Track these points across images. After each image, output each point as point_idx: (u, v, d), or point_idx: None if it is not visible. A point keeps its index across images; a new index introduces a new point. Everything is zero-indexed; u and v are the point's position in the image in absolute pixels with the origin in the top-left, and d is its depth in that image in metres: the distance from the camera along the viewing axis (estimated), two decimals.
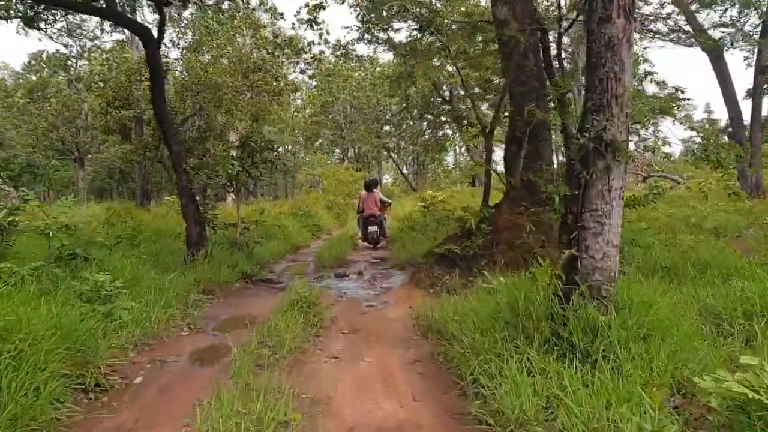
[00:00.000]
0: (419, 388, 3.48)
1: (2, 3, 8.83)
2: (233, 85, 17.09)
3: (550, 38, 7.91)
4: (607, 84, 3.49)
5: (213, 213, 8.55)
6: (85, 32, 24.75)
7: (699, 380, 2.42)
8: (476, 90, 16.78)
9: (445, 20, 8.68)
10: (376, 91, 32.93)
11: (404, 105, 32.97)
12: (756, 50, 16.41)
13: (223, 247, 8.24)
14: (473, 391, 3.20)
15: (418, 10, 9.76)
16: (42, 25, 12.77)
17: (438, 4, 11.65)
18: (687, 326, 3.58)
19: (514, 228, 6.64)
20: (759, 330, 3.44)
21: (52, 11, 10.71)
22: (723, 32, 17.24)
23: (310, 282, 7.70)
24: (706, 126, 34.35)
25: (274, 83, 17.58)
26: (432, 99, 30.67)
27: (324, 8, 11.02)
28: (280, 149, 42.28)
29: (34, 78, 34.68)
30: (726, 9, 16.70)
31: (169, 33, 19.66)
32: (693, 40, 16.53)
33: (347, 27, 28.85)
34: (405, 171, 39.88)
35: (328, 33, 31.90)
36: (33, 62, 35.43)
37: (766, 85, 16.97)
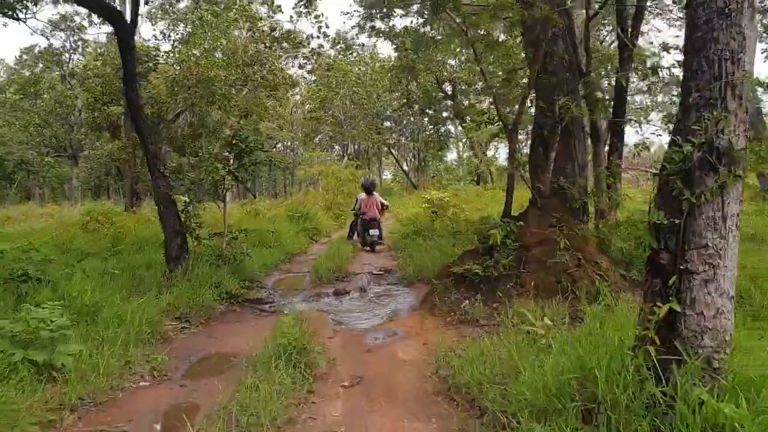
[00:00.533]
0: None
1: None
2: (227, 79, 15.96)
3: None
4: (719, 67, 2.41)
5: (197, 221, 7.47)
6: (72, 25, 23.49)
7: None
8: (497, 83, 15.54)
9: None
10: (377, 86, 31.77)
11: (405, 100, 31.87)
12: None
13: (207, 260, 7.17)
14: None
15: None
16: (21, 15, 11.66)
17: None
18: None
19: (544, 243, 5.58)
20: None
21: None
22: None
23: (304, 300, 6.68)
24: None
25: (271, 77, 16.42)
26: (434, 94, 29.58)
27: None
28: (279, 146, 41.07)
29: (27, 73, 33.43)
30: None
31: (161, 25, 18.52)
32: None
33: (347, 12, 27.59)
34: (405, 168, 38.77)
35: (327, 26, 29.83)
36: (25, 57, 34.14)
37: None
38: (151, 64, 16.40)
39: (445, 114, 32.96)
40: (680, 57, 6.57)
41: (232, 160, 7.39)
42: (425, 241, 9.94)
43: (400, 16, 25.91)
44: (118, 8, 13.49)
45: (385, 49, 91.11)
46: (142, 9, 20.47)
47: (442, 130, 30.96)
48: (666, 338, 2.42)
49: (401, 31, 11.02)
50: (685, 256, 2.41)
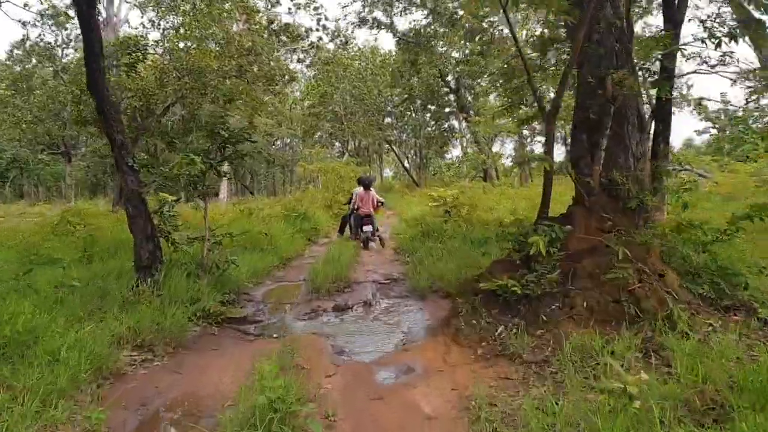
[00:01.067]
0: None
1: None
2: (221, 70, 14.77)
3: None
4: None
5: (173, 224, 6.32)
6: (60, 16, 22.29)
7: None
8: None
9: None
10: (377, 81, 30.58)
11: (406, 96, 30.70)
12: None
13: (185, 269, 6.02)
14: None
15: None
16: None
17: None
18: None
19: (596, 253, 4.43)
20: None
21: None
22: None
23: (298, 318, 5.53)
24: (722, 117, 32.07)
25: (267, 67, 15.24)
26: (437, 89, 28.37)
27: None
28: (278, 142, 39.82)
29: (17, 69, 32.16)
30: None
31: (149, 14, 17.28)
32: None
33: (345, 6, 26.20)
34: (407, 165, 37.58)
35: (326, 18, 28.50)
36: (17, 52, 32.84)
37: None
38: (139, 54, 15.20)
39: (447, 109, 31.82)
40: None
41: (216, 153, 6.22)
42: (435, 244, 8.80)
43: (402, 10, 24.75)
44: None
45: (387, 45, 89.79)
46: None
47: (446, 126, 29.80)
48: None
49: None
50: None
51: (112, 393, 3.58)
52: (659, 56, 4.98)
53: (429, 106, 32.08)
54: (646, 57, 4.79)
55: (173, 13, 16.89)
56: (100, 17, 19.46)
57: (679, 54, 5.65)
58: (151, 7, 17.70)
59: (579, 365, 3.25)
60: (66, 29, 29.99)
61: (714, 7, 10.34)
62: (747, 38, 6.69)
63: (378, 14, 24.55)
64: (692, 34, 7.53)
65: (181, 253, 6.44)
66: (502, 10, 4.96)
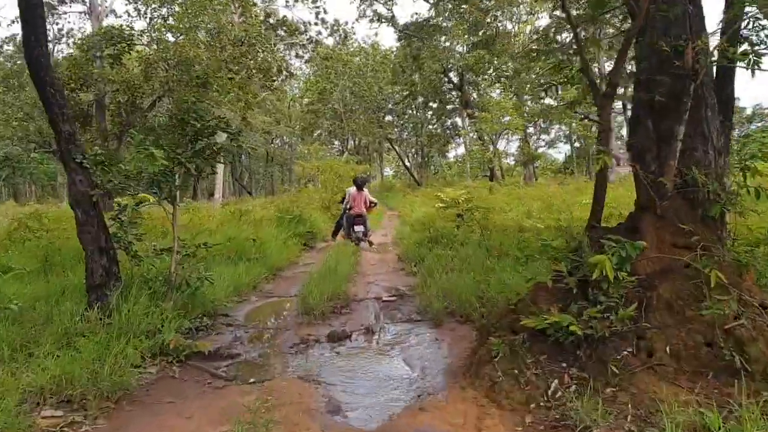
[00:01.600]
0: None
1: None
2: (212, 61, 13.63)
3: None
4: None
5: (135, 233, 5.19)
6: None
7: None
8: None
9: None
10: (378, 77, 29.44)
11: (408, 92, 29.54)
12: None
13: (149, 288, 4.89)
14: None
15: None
16: None
17: None
18: None
19: (672, 276, 3.31)
20: None
21: None
22: None
23: (285, 352, 4.40)
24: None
25: (260, 57, 14.10)
26: (440, 85, 27.19)
27: None
28: (276, 140, 38.59)
29: (9, 65, 30.97)
30: None
31: (137, 3, 16.13)
32: None
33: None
34: (407, 164, 36.43)
35: (325, 12, 27.22)
36: (6, 47, 31.66)
37: None
38: (124, 45, 14.06)
39: (449, 107, 30.67)
40: None
41: (186, 147, 5.09)
42: (445, 251, 7.68)
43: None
44: None
45: (388, 41, 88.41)
46: None
47: (448, 123, 28.67)
48: None
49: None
50: None
51: None
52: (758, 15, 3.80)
53: (431, 104, 30.98)
54: (733, 18, 3.65)
55: (163, 1, 15.74)
56: (83, 5, 18.34)
57: None
58: None
59: None
60: (58, 24, 28.88)
61: None
62: None
63: (378, 7, 23.37)
64: None
65: (146, 268, 5.31)
66: None
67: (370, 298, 6.10)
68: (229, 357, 4.25)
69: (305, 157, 22.50)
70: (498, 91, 24.15)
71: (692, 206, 3.59)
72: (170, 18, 14.20)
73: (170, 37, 14.05)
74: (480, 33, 24.07)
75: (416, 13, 25.09)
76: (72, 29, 27.21)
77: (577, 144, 34.86)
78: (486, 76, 23.61)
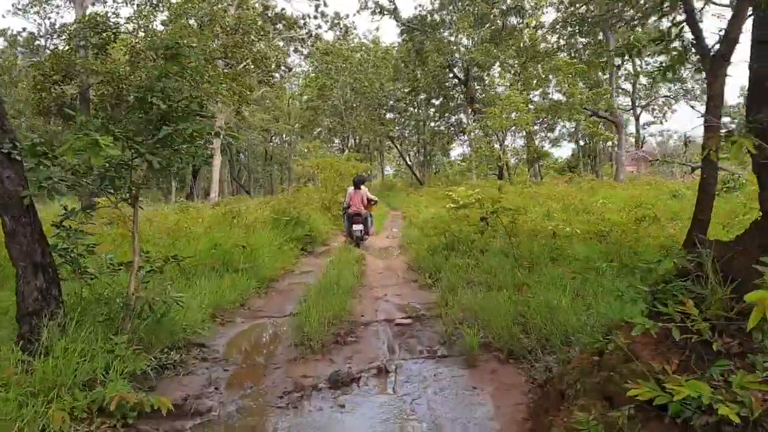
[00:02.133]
0: None
1: None
2: (205, 50, 12.48)
3: None
4: None
5: (85, 244, 4.07)
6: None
7: None
8: None
9: None
10: (379, 74, 28.29)
11: (410, 88, 28.34)
12: None
13: (101, 315, 3.78)
14: None
15: None
16: None
17: None
18: None
19: None
20: None
21: None
22: None
23: (272, 404, 3.27)
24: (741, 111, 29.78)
25: (255, 48, 12.94)
26: (444, 80, 26.03)
27: None
28: (275, 138, 37.30)
29: (0, 60, 29.83)
30: None
31: None
32: None
33: None
34: (409, 162, 35.27)
35: (326, 5, 25.95)
36: None
37: None
38: (110, 34, 12.92)
39: (452, 103, 29.53)
40: None
41: (148, 134, 3.96)
42: (464, 260, 6.57)
43: None
44: None
45: (389, 36, 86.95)
46: None
47: (453, 120, 27.51)
48: None
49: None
50: None
51: None
52: None
53: (433, 101, 29.85)
54: None
55: None
56: None
57: None
58: None
59: None
60: (49, 18, 27.73)
61: None
62: None
63: None
64: None
65: (102, 287, 4.19)
66: None
67: (380, 320, 4.97)
68: (197, 414, 3.12)
69: (305, 155, 21.36)
70: (503, 87, 22.98)
71: None
72: (160, 4, 13.07)
73: (159, 26, 12.92)
74: (486, 26, 22.97)
75: (419, 5, 23.82)
76: (65, 24, 25.94)
77: (581, 142, 33.76)
78: (493, 71, 22.54)
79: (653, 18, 25.41)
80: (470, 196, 10.08)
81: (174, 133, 3.92)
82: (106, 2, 15.19)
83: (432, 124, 29.69)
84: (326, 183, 13.46)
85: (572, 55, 24.43)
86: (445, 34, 23.90)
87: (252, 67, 19.64)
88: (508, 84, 17.72)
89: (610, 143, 31.11)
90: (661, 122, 31.58)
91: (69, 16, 24.87)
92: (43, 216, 3.92)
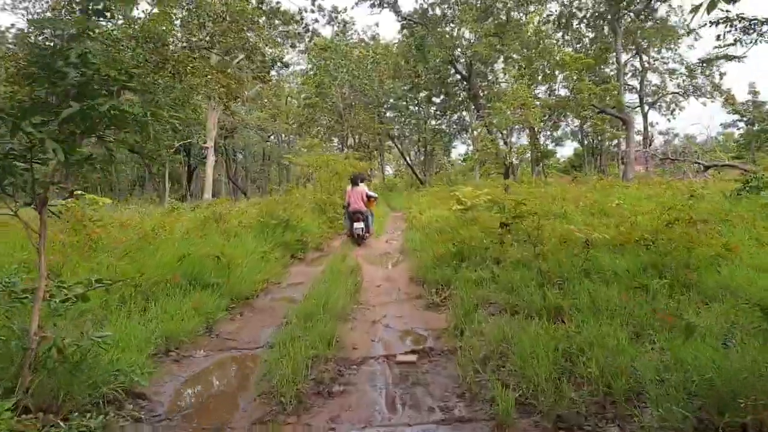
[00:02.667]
0: None
1: None
2: (189, 40, 11.40)
3: None
4: None
5: None
6: None
7: None
8: None
9: None
10: (379, 71, 27.17)
11: (411, 85, 27.20)
12: None
13: None
14: None
15: None
16: None
17: None
18: None
19: None
20: None
21: None
22: None
23: None
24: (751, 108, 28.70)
25: (244, 37, 11.83)
26: (446, 76, 24.85)
27: None
28: (272, 137, 35.99)
29: None
30: None
31: None
32: None
33: None
34: (410, 161, 34.12)
35: None
36: None
37: None
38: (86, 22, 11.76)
39: (453, 102, 28.39)
40: None
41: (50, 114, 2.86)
42: (477, 272, 5.48)
43: None
44: None
45: (388, 33, 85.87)
46: None
47: (455, 118, 26.38)
48: None
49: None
50: None
51: None
52: None
53: (434, 99, 28.75)
54: None
55: None
56: None
57: None
58: None
59: None
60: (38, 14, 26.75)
61: None
62: None
63: None
64: None
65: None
66: None
67: (378, 355, 3.86)
68: None
69: (297, 153, 20.26)
70: (509, 82, 21.86)
71: None
72: None
73: (139, 12, 11.81)
74: (489, 20, 21.86)
75: None
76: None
77: (585, 141, 32.63)
78: (497, 67, 21.43)
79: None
80: (478, 197, 9.00)
81: (85, 112, 2.80)
82: None
83: (433, 122, 28.56)
84: (322, 182, 12.35)
85: (578, 49, 23.32)
86: (447, 29, 22.79)
87: (246, 62, 18.58)
88: (515, 77, 16.60)
89: (616, 141, 30.03)
90: (669, 120, 30.46)
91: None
92: None
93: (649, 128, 29.33)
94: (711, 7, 2.40)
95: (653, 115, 29.62)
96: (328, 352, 3.71)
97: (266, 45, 14.39)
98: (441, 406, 2.99)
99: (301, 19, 22.19)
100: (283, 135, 36.67)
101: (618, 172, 26.24)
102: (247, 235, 7.72)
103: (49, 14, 11.74)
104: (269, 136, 33.86)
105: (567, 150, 43.07)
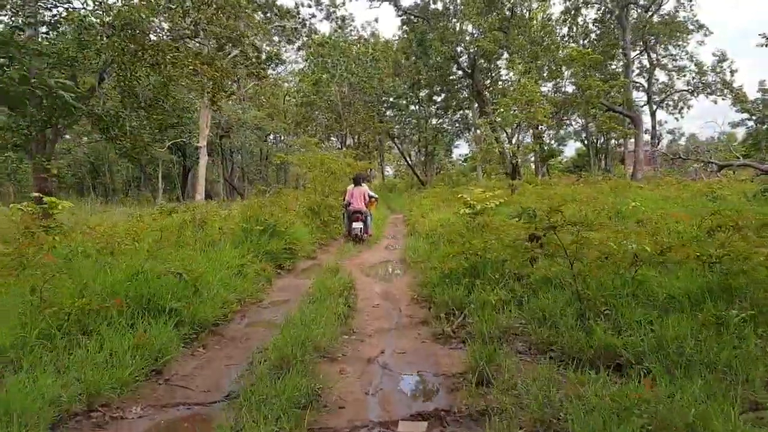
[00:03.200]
0: None
1: None
2: (170, 30, 10.35)
3: None
4: None
5: None
6: None
7: None
8: None
9: None
10: (378, 68, 26.11)
11: (412, 83, 26.10)
12: None
13: None
14: None
15: None
16: None
17: None
18: None
19: None
20: None
21: None
22: None
23: None
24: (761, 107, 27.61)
25: (231, 25, 10.77)
26: (448, 72, 23.81)
27: None
28: (270, 137, 35.00)
29: None
30: None
31: None
32: None
33: None
34: (410, 162, 33.06)
35: None
36: None
37: None
38: (60, 10, 10.76)
39: (453, 102, 27.33)
40: None
41: None
42: (497, 292, 4.44)
43: None
44: None
45: (388, 29, 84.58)
46: None
47: (457, 116, 25.31)
48: None
49: None
50: None
51: None
52: None
53: (435, 97, 27.70)
54: None
55: None
56: None
57: None
58: None
59: None
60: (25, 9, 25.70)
61: None
62: None
63: None
64: None
65: None
66: None
67: (373, 423, 2.79)
68: None
69: (297, 152, 19.18)
70: (515, 77, 20.81)
71: None
72: None
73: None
74: (494, 14, 20.81)
75: None
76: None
77: (590, 140, 31.55)
78: (501, 63, 20.41)
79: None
80: (488, 200, 7.95)
81: None
82: None
83: (434, 121, 27.51)
84: (316, 183, 11.29)
85: (585, 45, 22.27)
86: (449, 24, 21.75)
87: (240, 58, 17.53)
88: (521, 72, 15.57)
89: (622, 140, 28.96)
90: (677, 119, 29.41)
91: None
92: None
93: (657, 127, 28.26)
94: None
95: (660, 115, 28.54)
96: (311, 393, 2.66)
97: (256, 34, 13.36)
98: None
99: (298, 13, 21.14)
100: (282, 136, 35.61)
101: (623, 172, 25.20)
102: (226, 244, 6.65)
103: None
104: (267, 136, 32.77)
105: (569, 150, 41.98)
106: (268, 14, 21.39)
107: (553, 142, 29.09)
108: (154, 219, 8.92)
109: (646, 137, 24.25)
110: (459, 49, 21.28)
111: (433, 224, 9.32)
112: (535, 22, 22.92)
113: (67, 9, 10.81)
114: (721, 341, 3.00)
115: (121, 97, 10.25)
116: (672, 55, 25.66)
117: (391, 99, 28.51)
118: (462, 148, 56.46)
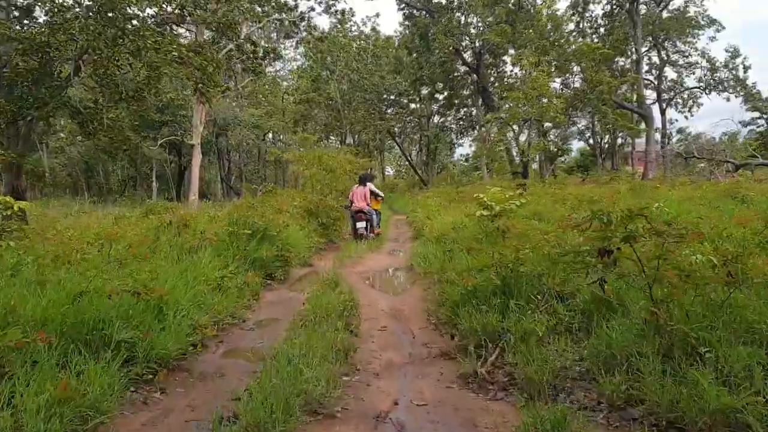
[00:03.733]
0: None
1: None
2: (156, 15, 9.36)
3: None
4: None
5: None
6: None
7: None
8: None
9: None
10: (379, 65, 25.13)
11: (413, 79, 25.06)
12: None
13: None
14: None
15: None
16: None
17: None
18: None
19: None
20: None
21: None
22: None
23: None
24: None
25: (220, 7, 9.78)
26: (452, 68, 22.78)
27: None
28: (269, 135, 34.06)
29: None
30: None
31: None
32: None
33: None
34: (412, 161, 32.04)
35: None
36: None
37: None
38: None
39: (456, 101, 26.35)
40: None
41: None
42: (538, 317, 3.46)
43: None
44: None
45: (389, 26, 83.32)
46: None
47: (461, 114, 24.33)
48: None
49: None
50: None
51: None
52: None
53: (437, 95, 26.72)
54: None
55: None
56: None
57: None
58: None
59: None
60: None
61: None
62: None
63: None
64: None
65: None
66: None
67: None
68: None
69: (296, 149, 18.18)
70: (519, 74, 19.86)
71: None
72: None
73: None
74: (500, 6, 19.84)
75: None
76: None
77: (596, 139, 30.60)
78: (507, 57, 19.46)
79: None
80: (509, 200, 6.98)
81: None
82: None
83: (437, 119, 26.54)
84: (313, 182, 10.30)
85: (594, 40, 21.32)
86: (454, 17, 20.79)
87: (236, 53, 16.56)
88: (532, 63, 14.63)
89: (628, 140, 28.03)
90: (687, 117, 28.46)
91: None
92: None
93: (668, 125, 27.29)
94: None
95: (670, 113, 27.64)
96: None
97: (252, 25, 12.40)
98: None
99: (296, 6, 20.15)
100: (281, 135, 34.63)
101: (631, 172, 24.26)
102: (206, 251, 5.65)
103: None
104: (265, 134, 31.79)
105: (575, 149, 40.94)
106: (265, 8, 20.40)
107: (558, 140, 28.13)
108: (135, 222, 7.92)
109: (657, 136, 23.27)
110: (464, 43, 20.30)
111: (444, 227, 8.32)
112: (541, 16, 22.01)
113: None
114: None
115: (99, 87, 9.27)
116: (682, 51, 24.72)
117: (392, 97, 27.54)
118: (462, 148, 55.43)
